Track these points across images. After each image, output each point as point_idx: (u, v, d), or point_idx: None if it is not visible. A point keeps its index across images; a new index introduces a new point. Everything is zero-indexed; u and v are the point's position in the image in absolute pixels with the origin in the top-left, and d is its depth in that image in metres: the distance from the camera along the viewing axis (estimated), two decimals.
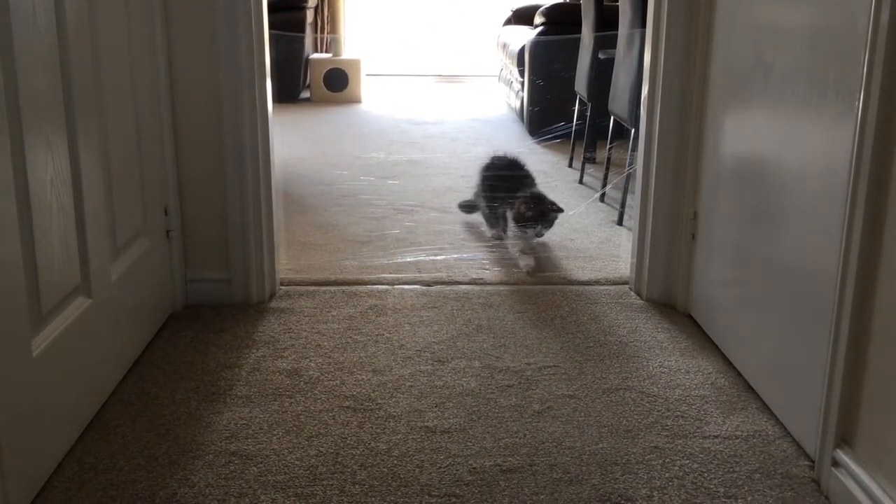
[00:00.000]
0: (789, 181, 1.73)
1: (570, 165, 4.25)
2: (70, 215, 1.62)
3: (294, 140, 4.89)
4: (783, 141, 1.76)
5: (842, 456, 1.49)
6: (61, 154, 1.57)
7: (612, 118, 3.56)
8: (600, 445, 1.67)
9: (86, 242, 1.68)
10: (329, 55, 6.60)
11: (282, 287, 2.49)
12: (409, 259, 2.75)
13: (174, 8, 2.17)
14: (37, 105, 1.47)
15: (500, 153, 3.15)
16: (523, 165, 3.04)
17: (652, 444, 1.67)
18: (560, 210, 2.82)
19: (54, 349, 1.54)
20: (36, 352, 1.47)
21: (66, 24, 1.59)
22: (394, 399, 1.84)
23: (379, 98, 6.66)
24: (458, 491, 1.52)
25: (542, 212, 2.78)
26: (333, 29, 6.58)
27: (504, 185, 2.91)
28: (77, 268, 1.66)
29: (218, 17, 2.18)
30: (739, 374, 1.97)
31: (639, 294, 2.48)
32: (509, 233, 2.82)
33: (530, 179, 2.96)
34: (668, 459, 1.62)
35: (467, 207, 3.24)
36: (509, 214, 2.80)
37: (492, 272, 2.66)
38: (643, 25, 2.58)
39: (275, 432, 1.70)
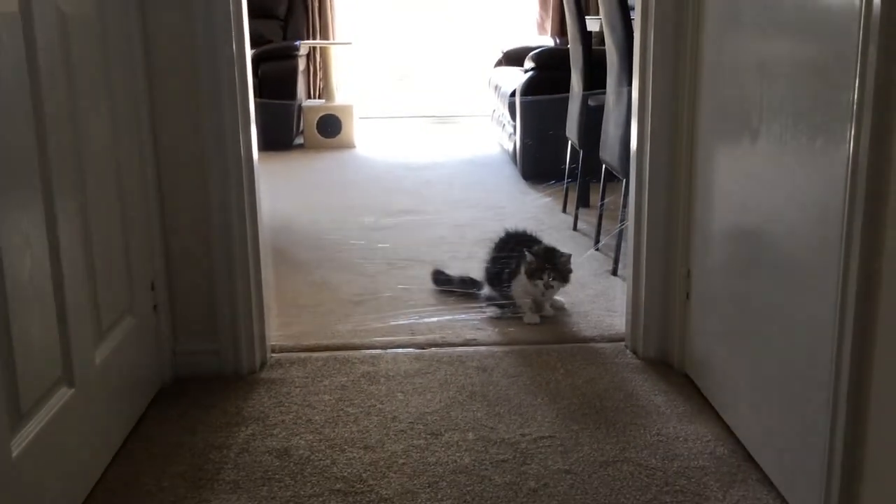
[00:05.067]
0: (781, 232, 1.69)
1: (564, 210, 4.24)
2: (50, 305, 1.59)
3: (287, 190, 4.87)
4: (773, 190, 1.72)
5: None
6: (38, 239, 1.54)
7: (603, 165, 3.54)
8: None
9: (67, 331, 1.64)
10: (322, 101, 6.62)
11: (273, 354, 2.45)
12: (402, 322, 2.72)
13: (157, 93, 2.17)
14: (11, 175, 1.43)
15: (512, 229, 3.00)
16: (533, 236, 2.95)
17: None
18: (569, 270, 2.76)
19: (35, 447, 1.50)
20: (15, 452, 1.43)
21: (40, 89, 1.54)
22: (386, 479, 1.80)
23: (373, 142, 6.66)
24: None
25: (554, 264, 2.71)
26: (325, 75, 6.60)
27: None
28: (58, 359, 1.62)
29: (202, 86, 2.16)
30: (738, 441, 1.93)
31: (635, 352, 2.45)
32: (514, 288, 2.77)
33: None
34: None
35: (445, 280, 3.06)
36: (523, 268, 2.72)
37: (486, 332, 2.63)
38: (630, 83, 2.57)
39: None
